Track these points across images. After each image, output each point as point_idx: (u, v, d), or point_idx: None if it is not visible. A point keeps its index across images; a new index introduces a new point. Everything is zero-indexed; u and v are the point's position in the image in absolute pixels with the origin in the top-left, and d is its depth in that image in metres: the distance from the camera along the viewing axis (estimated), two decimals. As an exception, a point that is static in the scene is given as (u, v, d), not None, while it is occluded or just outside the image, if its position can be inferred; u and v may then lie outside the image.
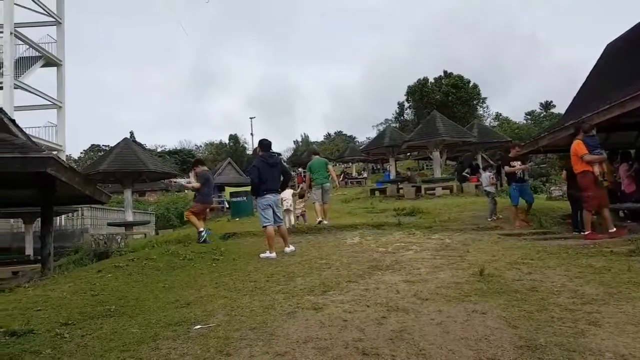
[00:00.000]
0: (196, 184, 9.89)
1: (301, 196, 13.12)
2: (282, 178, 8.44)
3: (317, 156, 12.54)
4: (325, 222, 11.46)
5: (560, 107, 67.82)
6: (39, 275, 9.11)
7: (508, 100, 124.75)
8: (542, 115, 74.99)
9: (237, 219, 17.26)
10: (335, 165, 60.24)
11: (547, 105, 79.79)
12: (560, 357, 3.12)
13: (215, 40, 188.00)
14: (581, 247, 7.37)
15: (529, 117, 77.57)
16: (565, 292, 4.74)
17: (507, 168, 11.16)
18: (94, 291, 5.64)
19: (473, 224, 11.09)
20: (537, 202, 16.35)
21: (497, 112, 75.76)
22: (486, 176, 13.05)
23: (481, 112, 65.47)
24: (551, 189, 23.94)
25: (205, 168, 10.75)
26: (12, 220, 21.61)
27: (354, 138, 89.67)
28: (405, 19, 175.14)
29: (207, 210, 10.90)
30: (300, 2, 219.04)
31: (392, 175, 30.28)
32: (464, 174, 23.43)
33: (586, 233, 8.53)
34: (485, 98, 65.51)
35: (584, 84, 12.48)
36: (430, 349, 3.35)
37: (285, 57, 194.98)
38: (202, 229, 9.39)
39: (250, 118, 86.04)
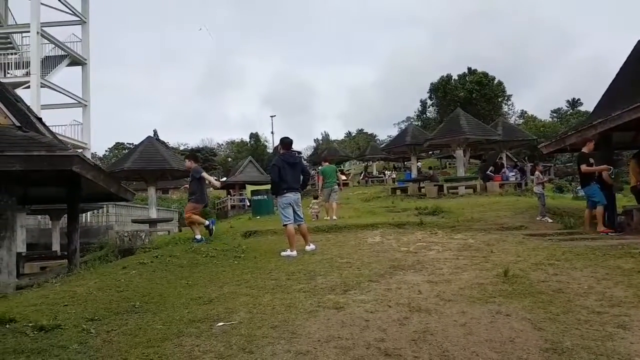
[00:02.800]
0: (216, 183, 9.74)
1: (315, 197, 15.03)
2: (302, 177, 8.43)
3: (327, 163, 15.11)
4: (334, 217, 13.10)
5: (588, 105, 66.57)
6: (66, 270, 9.29)
7: (533, 98, 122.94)
8: (568, 113, 73.46)
9: (258, 217, 17.34)
10: (356, 163, 60.18)
11: (574, 103, 78.23)
12: (588, 361, 3.06)
13: (234, 40, 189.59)
14: (609, 248, 7.21)
15: (555, 114, 76.13)
16: (592, 294, 4.66)
17: (584, 167, 9.82)
18: (119, 287, 5.72)
19: (497, 223, 10.91)
20: (563, 201, 16.13)
21: (522, 110, 74.64)
22: (536, 176, 13.08)
23: (506, 110, 64.32)
24: (577, 188, 23.35)
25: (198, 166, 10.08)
26: (39, 216, 22.08)
27: (375, 136, 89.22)
28: (426, 14, 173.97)
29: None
30: (317, 1, 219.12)
31: (414, 174, 30.00)
32: (487, 172, 23.09)
33: None
34: (510, 95, 64.38)
35: (613, 81, 12.14)
36: (453, 350, 3.32)
37: (304, 57, 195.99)
38: (198, 236, 9.37)
39: (271, 116, 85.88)
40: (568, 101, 79.96)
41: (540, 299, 4.53)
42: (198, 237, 9.36)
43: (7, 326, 4.07)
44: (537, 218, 11.68)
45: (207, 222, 9.68)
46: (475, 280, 5.40)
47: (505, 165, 25.04)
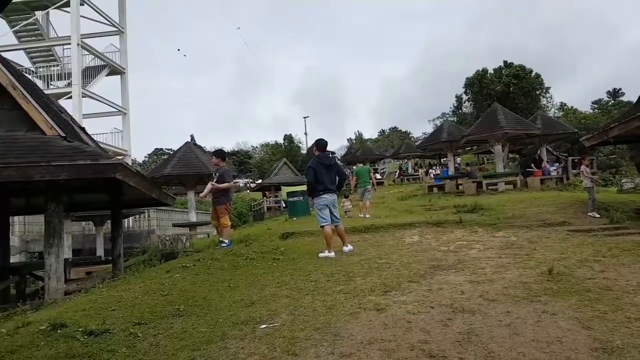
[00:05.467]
0: (224, 184, 9.19)
1: (345, 196, 15.68)
2: (337, 179, 8.42)
3: (361, 164, 16.92)
4: (367, 215, 13.93)
5: (631, 95, 63.95)
6: (110, 275, 9.60)
7: (573, 89, 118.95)
8: (610, 103, 70.83)
9: (294, 219, 17.43)
10: (390, 162, 59.65)
11: (615, 93, 75.40)
12: (640, 361, 2.97)
13: (264, 40, 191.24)
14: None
15: (595, 106, 73.54)
16: (642, 292, 4.50)
17: None
18: (164, 291, 5.84)
19: (539, 220, 10.64)
20: (608, 195, 15.56)
21: (562, 102, 72.38)
22: (582, 170, 12.67)
23: (544, 103, 62.40)
24: (622, 181, 22.44)
25: (225, 164, 9.96)
26: (83, 222, 22.89)
27: (409, 134, 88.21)
28: (461, 5, 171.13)
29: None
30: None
31: (451, 171, 29.49)
32: (528, 169, 22.39)
33: None
34: (549, 88, 62.41)
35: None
36: (499, 351, 3.26)
37: (336, 55, 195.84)
38: (227, 241, 9.30)
39: (304, 117, 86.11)
40: (609, 92, 77.15)
41: (587, 297, 4.42)
42: (226, 242, 9.37)
43: (59, 331, 4.20)
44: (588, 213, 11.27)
45: (227, 241, 9.38)
46: (519, 279, 5.29)
47: (544, 160, 24.30)
